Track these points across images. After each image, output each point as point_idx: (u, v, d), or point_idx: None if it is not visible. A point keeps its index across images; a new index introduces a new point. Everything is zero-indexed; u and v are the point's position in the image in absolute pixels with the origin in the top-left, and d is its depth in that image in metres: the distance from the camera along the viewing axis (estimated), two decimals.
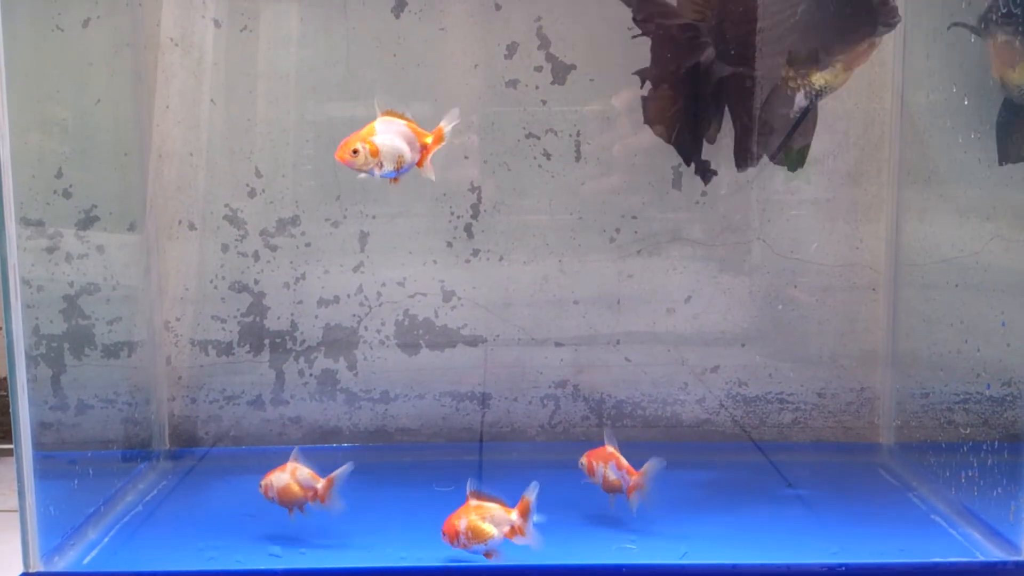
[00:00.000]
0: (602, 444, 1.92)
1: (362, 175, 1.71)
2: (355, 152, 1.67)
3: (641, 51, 2.19)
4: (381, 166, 1.69)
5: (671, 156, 2.24)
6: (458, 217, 2.27)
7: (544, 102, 2.23)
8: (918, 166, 2.17)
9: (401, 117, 1.72)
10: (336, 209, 2.26)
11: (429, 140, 1.74)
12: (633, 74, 2.09)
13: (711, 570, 1.71)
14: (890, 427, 2.28)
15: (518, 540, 1.66)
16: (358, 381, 2.32)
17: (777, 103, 1.99)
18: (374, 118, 1.71)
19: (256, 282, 2.29)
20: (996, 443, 1.81)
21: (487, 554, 1.67)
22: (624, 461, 1.88)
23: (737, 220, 2.27)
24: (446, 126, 1.75)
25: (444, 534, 1.67)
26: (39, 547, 1.67)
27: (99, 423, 2.11)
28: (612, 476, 1.89)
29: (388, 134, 1.69)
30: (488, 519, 1.65)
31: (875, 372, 2.30)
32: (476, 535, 1.65)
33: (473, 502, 1.67)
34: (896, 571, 1.70)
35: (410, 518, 1.92)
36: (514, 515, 1.66)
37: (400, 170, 1.72)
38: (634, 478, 1.86)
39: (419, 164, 1.74)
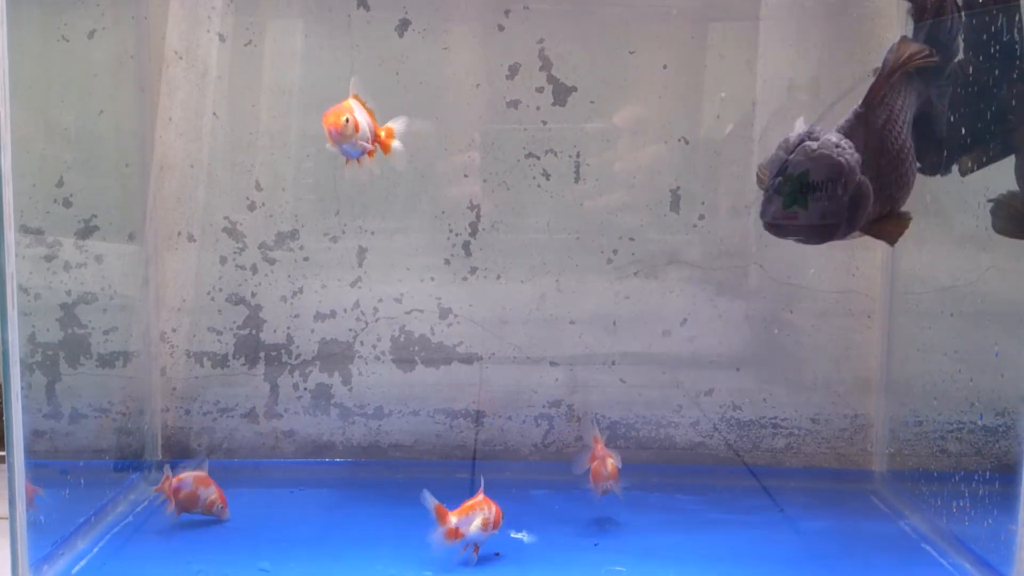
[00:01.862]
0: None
1: (333, 149, 1.72)
2: (346, 120, 1.69)
3: (640, 74, 2.21)
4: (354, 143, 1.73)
5: (669, 178, 2.26)
6: (456, 235, 2.28)
7: (545, 122, 2.24)
8: (915, 195, 2.18)
9: (364, 105, 1.75)
10: (335, 224, 2.27)
11: (383, 134, 1.78)
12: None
13: None
14: (883, 454, 2.28)
15: None
16: (352, 396, 2.33)
17: None
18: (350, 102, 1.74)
19: (253, 295, 2.29)
20: (988, 473, 1.81)
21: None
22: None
23: (735, 244, 2.28)
24: (396, 127, 1.79)
25: None
26: (28, 556, 1.66)
27: (92, 432, 2.11)
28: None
29: (362, 115, 1.73)
30: None
31: (869, 399, 2.30)
32: None
33: None
34: None
35: (401, 534, 1.92)
36: None
37: (361, 152, 1.74)
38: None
39: (369, 154, 1.76)
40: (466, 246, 2.28)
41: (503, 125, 2.25)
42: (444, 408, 2.33)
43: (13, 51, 1.59)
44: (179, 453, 2.31)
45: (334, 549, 1.86)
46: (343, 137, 1.70)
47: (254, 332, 2.30)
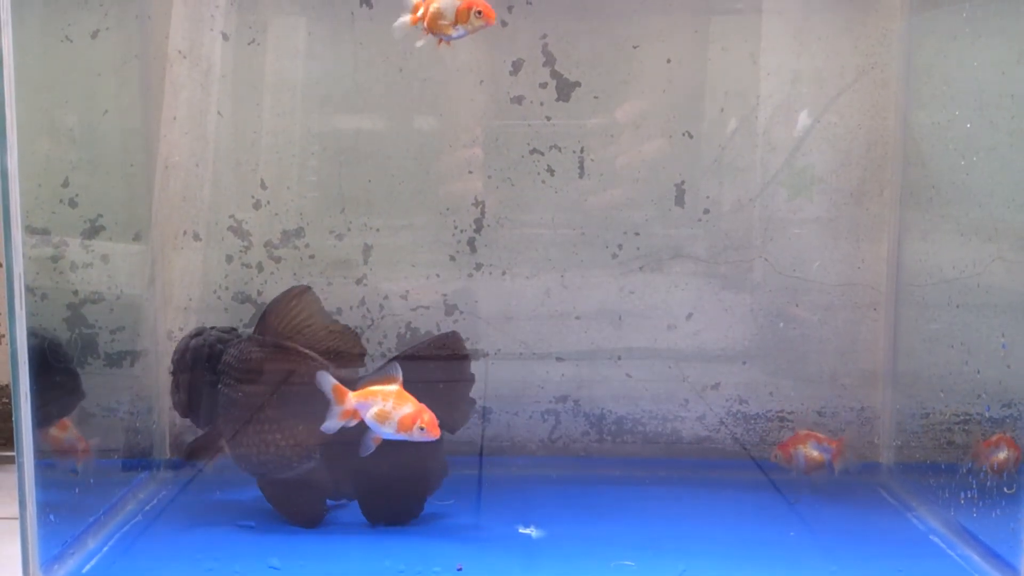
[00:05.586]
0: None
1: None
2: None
3: (643, 68, 2.21)
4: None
5: (674, 173, 2.26)
6: (461, 231, 2.28)
7: (548, 118, 2.24)
8: (920, 186, 2.18)
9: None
10: (340, 221, 2.27)
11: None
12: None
13: None
14: (890, 447, 2.28)
15: None
16: None
17: None
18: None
19: (259, 293, 2.30)
20: (996, 464, 1.81)
21: None
22: (822, 435, 2.07)
23: (739, 238, 2.28)
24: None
25: None
26: (39, 555, 1.67)
27: (101, 432, 2.11)
28: (814, 452, 2.03)
29: None
30: None
31: (875, 392, 2.30)
32: None
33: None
34: None
35: (407, 529, 1.93)
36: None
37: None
38: (836, 445, 2.05)
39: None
40: (471, 242, 2.28)
41: (507, 121, 2.25)
42: None
43: (17, 52, 1.60)
44: None
45: (342, 545, 1.86)
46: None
47: None
